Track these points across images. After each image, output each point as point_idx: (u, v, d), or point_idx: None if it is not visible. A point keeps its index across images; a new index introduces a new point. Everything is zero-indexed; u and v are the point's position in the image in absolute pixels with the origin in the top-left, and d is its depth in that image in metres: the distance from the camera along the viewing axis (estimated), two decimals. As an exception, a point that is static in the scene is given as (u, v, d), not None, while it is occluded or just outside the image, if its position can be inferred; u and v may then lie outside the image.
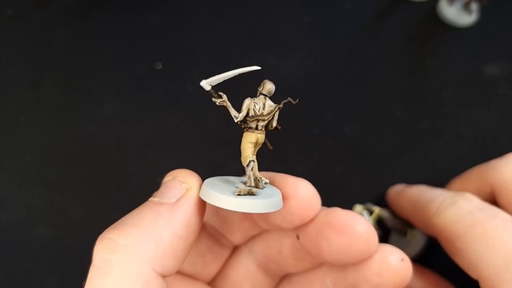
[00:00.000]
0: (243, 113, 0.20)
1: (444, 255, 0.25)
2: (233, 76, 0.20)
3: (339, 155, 0.36)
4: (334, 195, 0.34)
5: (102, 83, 0.37)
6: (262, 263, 0.24)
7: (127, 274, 0.17)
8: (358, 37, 0.40)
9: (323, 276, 0.23)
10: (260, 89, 0.20)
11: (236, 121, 0.20)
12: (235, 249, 0.25)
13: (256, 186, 0.20)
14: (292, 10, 0.41)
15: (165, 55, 0.38)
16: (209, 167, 0.34)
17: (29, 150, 0.34)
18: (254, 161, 0.20)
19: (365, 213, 0.31)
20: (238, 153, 0.20)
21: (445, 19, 0.41)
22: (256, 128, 0.20)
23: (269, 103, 0.20)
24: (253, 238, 0.24)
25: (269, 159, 0.22)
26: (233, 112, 0.20)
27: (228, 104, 0.20)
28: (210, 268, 0.24)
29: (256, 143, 0.20)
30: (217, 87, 0.20)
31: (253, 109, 0.20)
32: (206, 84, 0.19)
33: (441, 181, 0.31)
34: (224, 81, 0.20)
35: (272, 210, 0.19)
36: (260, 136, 0.20)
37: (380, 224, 0.32)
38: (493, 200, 0.26)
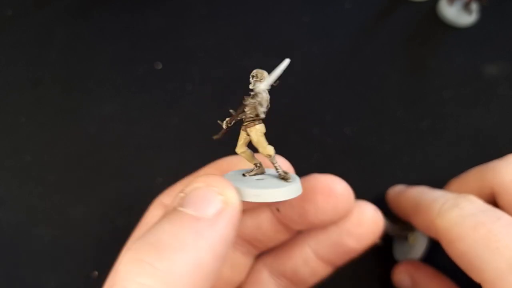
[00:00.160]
0: (268, 105, 0.19)
1: (444, 255, 0.25)
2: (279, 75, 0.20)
3: (339, 155, 0.36)
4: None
5: (102, 83, 0.37)
6: (239, 244, 0.25)
7: None
8: (358, 37, 0.40)
9: (301, 246, 0.25)
10: (258, 80, 0.20)
11: (263, 116, 0.19)
12: None
13: (285, 172, 0.20)
14: (292, 10, 0.41)
15: (165, 55, 0.38)
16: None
17: (29, 150, 0.34)
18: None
19: None
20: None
21: (445, 19, 0.41)
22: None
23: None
24: None
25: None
26: (261, 109, 0.19)
27: (252, 103, 0.19)
28: None
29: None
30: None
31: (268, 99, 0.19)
32: (267, 86, 0.19)
33: (441, 181, 0.31)
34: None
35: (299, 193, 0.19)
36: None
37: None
38: (493, 201, 0.26)
